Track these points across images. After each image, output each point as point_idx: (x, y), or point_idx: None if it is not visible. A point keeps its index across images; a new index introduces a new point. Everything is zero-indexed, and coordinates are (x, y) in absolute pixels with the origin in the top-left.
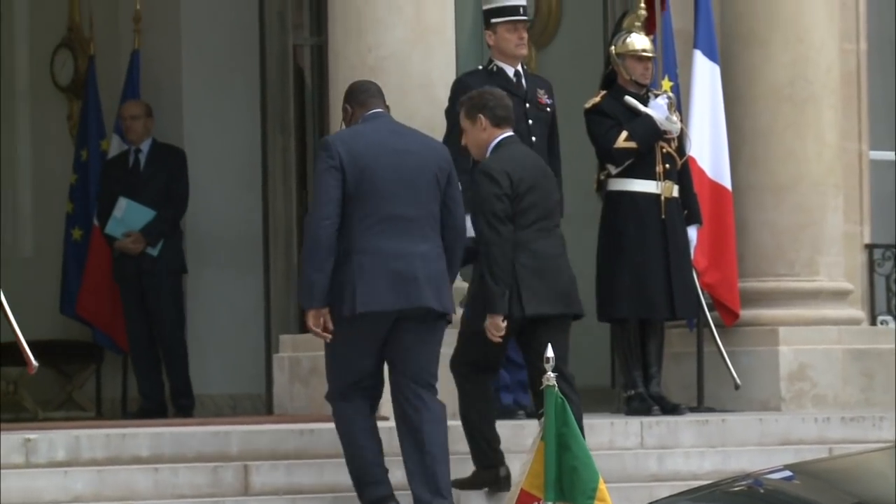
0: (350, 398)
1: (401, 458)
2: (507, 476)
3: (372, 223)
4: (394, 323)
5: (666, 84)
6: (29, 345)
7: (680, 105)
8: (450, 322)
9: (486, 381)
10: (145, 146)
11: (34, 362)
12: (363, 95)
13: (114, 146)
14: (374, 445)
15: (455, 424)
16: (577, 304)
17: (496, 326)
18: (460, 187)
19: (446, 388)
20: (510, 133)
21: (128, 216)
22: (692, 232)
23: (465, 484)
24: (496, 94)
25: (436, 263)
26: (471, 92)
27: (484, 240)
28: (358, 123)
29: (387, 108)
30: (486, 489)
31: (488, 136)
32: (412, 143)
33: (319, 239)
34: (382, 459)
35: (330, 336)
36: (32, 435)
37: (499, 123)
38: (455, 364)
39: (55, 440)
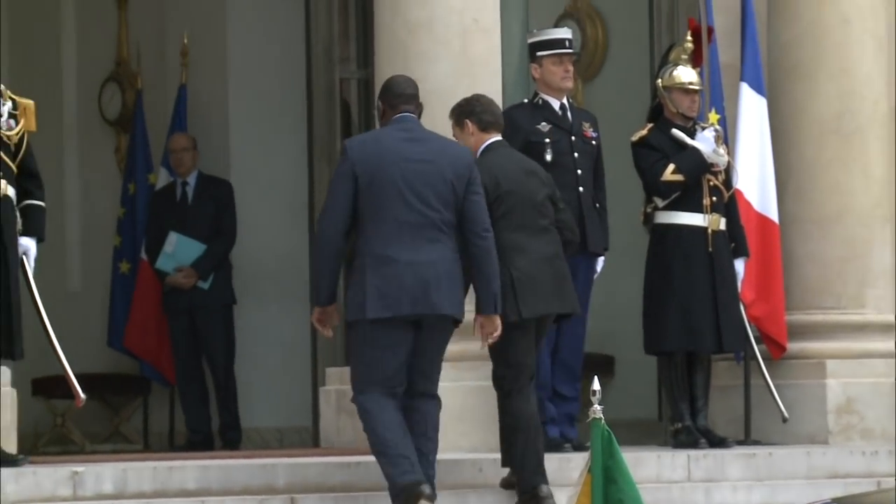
0: (373, 393)
1: None
2: (549, 496)
3: (383, 229)
4: (416, 327)
5: (713, 117)
6: (77, 378)
7: (727, 138)
8: (457, 325)
9: (525, 397)
10: (192, 179)
11: (82, 395)
12: (395, 99)
13: (161, 179)
14: (398, 437)
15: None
16: (570, 303)
17: None
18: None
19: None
20: (498, 137)
21: (178, 251)
22: (739, 265)
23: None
24: (483, 101)
25: (445, 268)
26: (460, 100)
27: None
28: (385, 125)
29: (419, 106)
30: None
31: (476, 141)
32: (427, 151)
33: (326, 243)
34: (409, 451)
35: (331, 333)
36: (80, 468)
37: (486, 128)
38: (495, 379)
39: (102, 473)
